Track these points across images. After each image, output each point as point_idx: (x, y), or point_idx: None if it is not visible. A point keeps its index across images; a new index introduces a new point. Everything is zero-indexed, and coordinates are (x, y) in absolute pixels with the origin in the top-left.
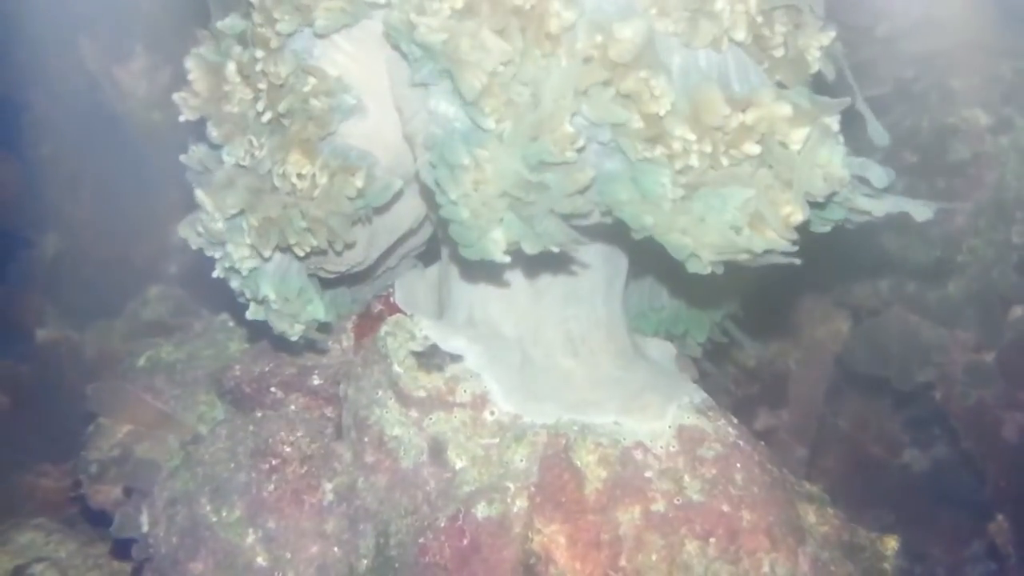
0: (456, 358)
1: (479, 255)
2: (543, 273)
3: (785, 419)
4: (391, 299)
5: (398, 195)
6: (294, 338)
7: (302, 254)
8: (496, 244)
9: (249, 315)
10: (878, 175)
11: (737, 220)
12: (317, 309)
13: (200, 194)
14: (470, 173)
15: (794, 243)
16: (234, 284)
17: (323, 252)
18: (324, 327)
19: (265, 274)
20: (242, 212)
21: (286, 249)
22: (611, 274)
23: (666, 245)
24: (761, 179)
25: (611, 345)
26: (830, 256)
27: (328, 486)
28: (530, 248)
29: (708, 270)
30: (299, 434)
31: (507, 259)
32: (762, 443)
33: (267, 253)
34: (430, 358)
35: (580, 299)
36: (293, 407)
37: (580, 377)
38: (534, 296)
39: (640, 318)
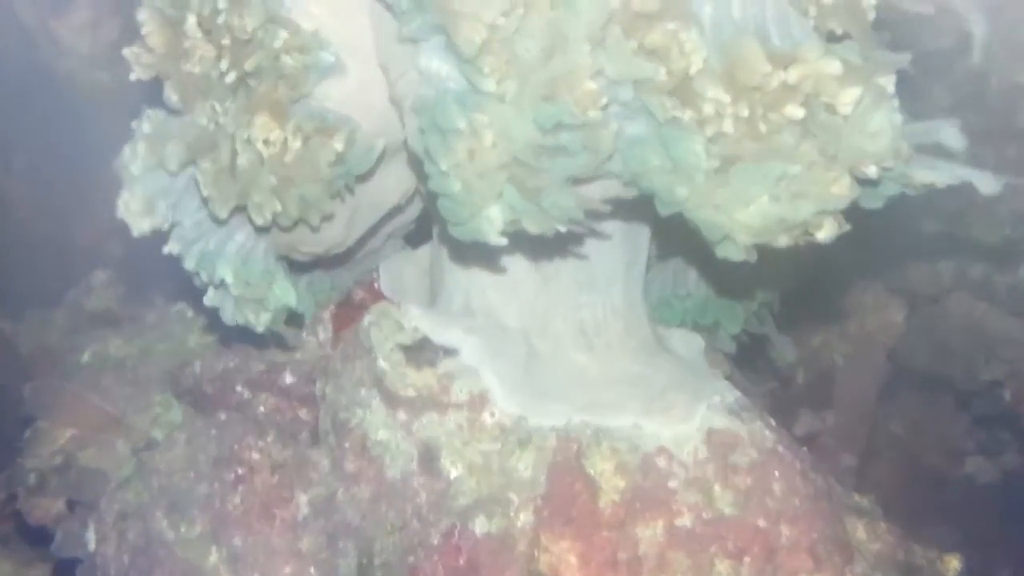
0: (450, 352)
1: (471, 235)
2: (552, 255)
3: (830, 423)
4: (375, 285)
5: (383, 163)
6: (260, 329)
7: (263, 221)
8: (491, 223)
9: (207, 301)
10: (951, 135)
11: (778, 199)
12: (287, 295)
13: (132, 148)
14: (464, 140)
15: (841, 225)
16: (188, 264)
17: (294, 228)
18: (297, 317)
19: (223, 254)
20: (192, 165)
21: (249, 222)
22: (630, 256)
23: (697, 223)
24: (805, 153)
25: (630, 337)
26: (882, 235)
27: (303, 498)
28: (535, 227)
29: (742, 256)
30: (269, 439)
31: (503, 241)
32: (804, 449)
33: (223, 213)
34: (420, 352)
35: (594, 285)
36: (262, 408)
37: (594, 373)
38: (541, 281)
39: (664, 307)
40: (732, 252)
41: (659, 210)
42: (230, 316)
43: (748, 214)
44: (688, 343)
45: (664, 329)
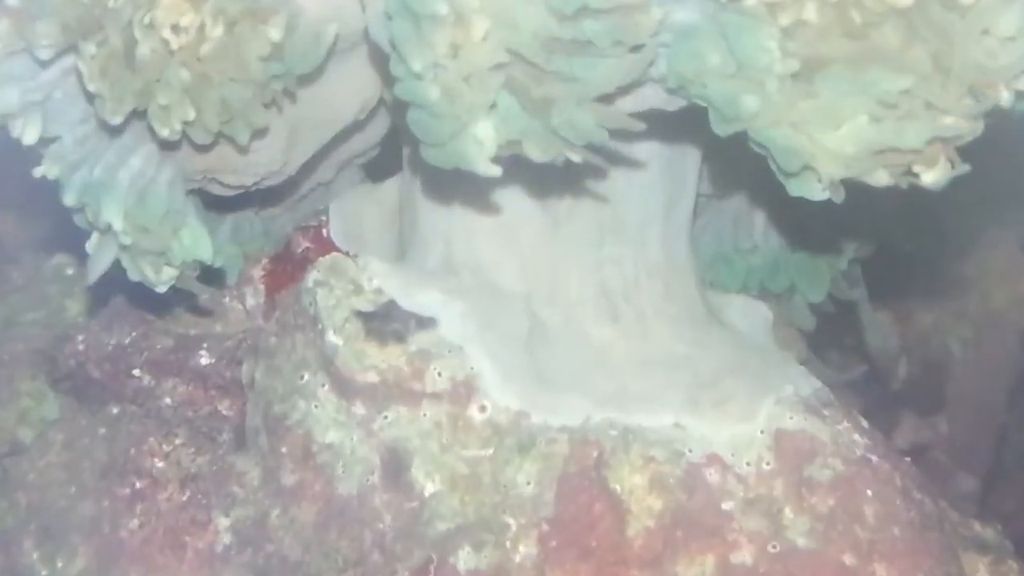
0: (426, 323)
1: (452, 161)
2: (564, 191)
3: (943, 431)
4: (323, 232)
5: (336, 61)
6: (161, 290)
7: (168, 132)
8: (480, 145)
9: (90, 250)
10: None
11: (880, 119)
12: (198, 244)
13: None
14: (446, 29)
15: (956, 164)
16: (68, 198)
17: (213, 146)
18: (216, 275)
19: (113, 185)
20: (72, 52)
21: (151, 136)
22: (672, 193)
23: (768, 147)
24: (915, 61)
25: (671, 304)
26: (1014, 176)
27: (224, 522)
28: (540, 152)
29: (827, 194)
30: (178, 442)
31: (495, 171)
32: (907, 461)
33: (117, 118)
34: (385, 322)
35: (622, 232)
36: (168, 400)
37: (621, 354)
38: (550, 226)
39: (719, 264)
40: (813, 189)
41: (715, 129)
42: (128, 272)
43: (838, 138)
44: (751, 315)
45: (719, 295)
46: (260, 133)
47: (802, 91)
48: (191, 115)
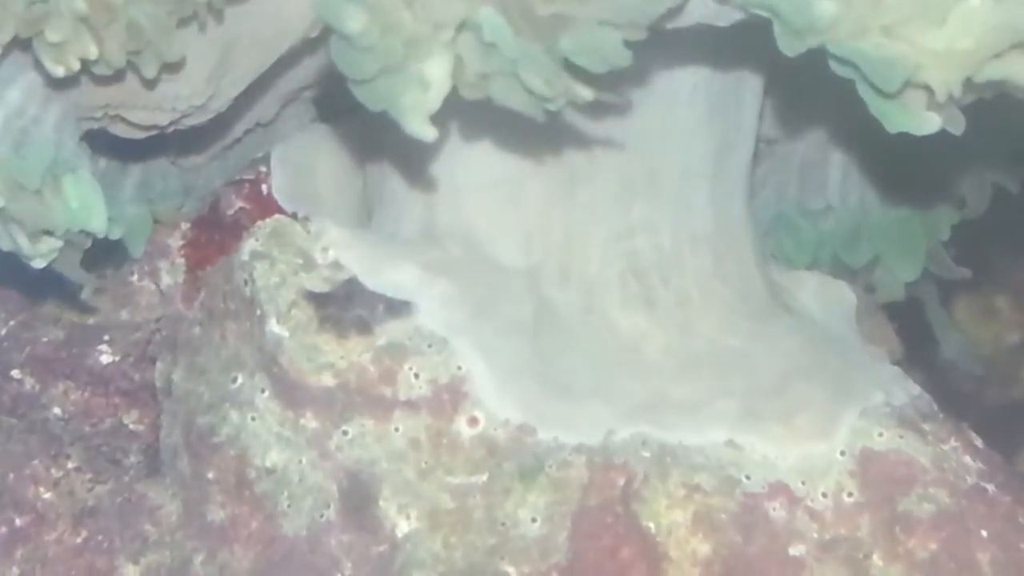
0: (399, 308)
1: (380, 103)
2: (582, 138)
3: None
4: (262, 187)
5: None
6: (38, 265)
7: (64, 71)
8: (421, 90)
9: None
10: None
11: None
12: (89, 210)
13: None
14: None
15: None
16: None
17: (118, 79)
18: (117, 246)
19: None
20: None
21: (33, 66)
22: (725, 139)
23: (858, 62)
24: None
25: (723, 285)
26: None
27: (130, 572)
28: (522, 100)
29: (938, 123)
30: (71, 465)
31: (431, 134)
32: None
33: None
34: (345, 307)
35: (659, 191)
36: (58, 410)
37: (657, 350)
38: (563, 183)
39: (782, 231)
40: (923, 118)
41: (782, 47)
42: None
43: (947, 34)
44: (827, 298)
45: (785, 272)
46: (173, 66)
47: None
48: (92, 52)
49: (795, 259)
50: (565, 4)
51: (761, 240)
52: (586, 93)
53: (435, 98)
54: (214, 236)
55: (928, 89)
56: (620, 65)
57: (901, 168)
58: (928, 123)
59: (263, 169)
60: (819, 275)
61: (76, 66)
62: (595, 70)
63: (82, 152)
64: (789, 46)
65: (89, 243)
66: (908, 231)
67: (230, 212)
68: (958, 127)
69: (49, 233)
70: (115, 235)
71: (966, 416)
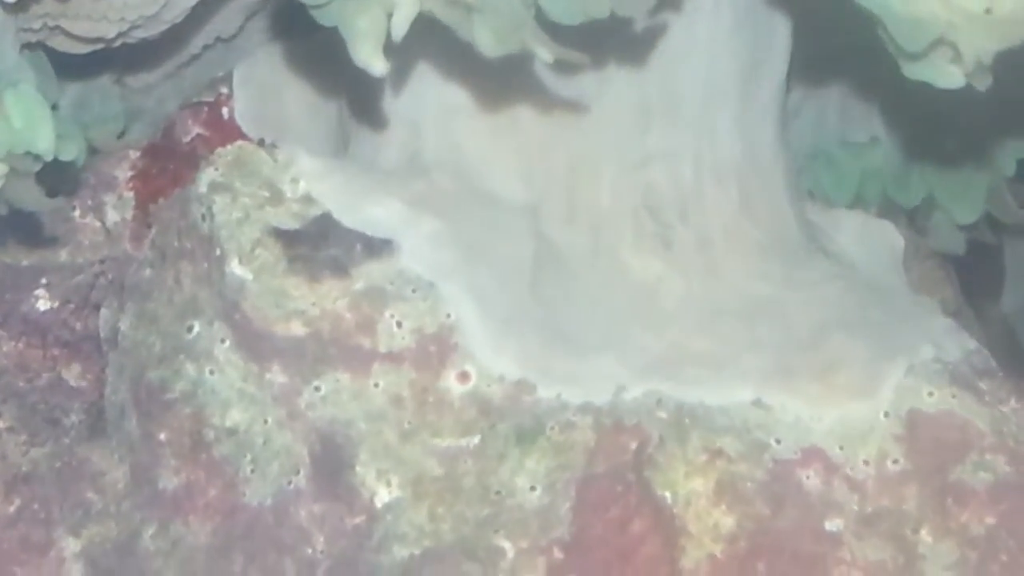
0: (379, 247)
1: (332, 18)
2: (590, 54)
3: None
4: (223, 111)
5: None
6: None
7: None
8: (384, 9)
9: None
10: None
11: None
12: (35, 127)
13: None
14: None
15: None
16: None
17: None
18: (57, 172)
19: None
20: None
21: None
22: (754, 56)
23: (881, 14)
24: None
25: (752, 224)
26: None
27: (71, 545)
28: (497, 41)
29: (962, 80)
30: (2, 426)
31: (381, 68)
32: None
33: None
34: (317, 246)
35: (678, 115)
36: None
37: (675, 296)
38: (568, 105)
39: (821, 165)
40: (947, 74)
41: None
42: None
43: None
44: (871, 241)
45: (824, 212)
46: None
47: None
48: None
49: (835, 197)
50: None
51: (796, 174)
52: (544, 54)
53: (400, 21)
54: (167, 166)
55: (956, 50)
56: (598, 16)
57: (957, 95)
58: (951, 79)
59: (224, 90)
60: (861, 215)
61: None
62: (569, 22)
63: (24, 64)
64: None
65: (38, 167)
66: (964, 169)
67: (186, 139)
68: (984, 83)
69: None
70: (67, 156)
71: None
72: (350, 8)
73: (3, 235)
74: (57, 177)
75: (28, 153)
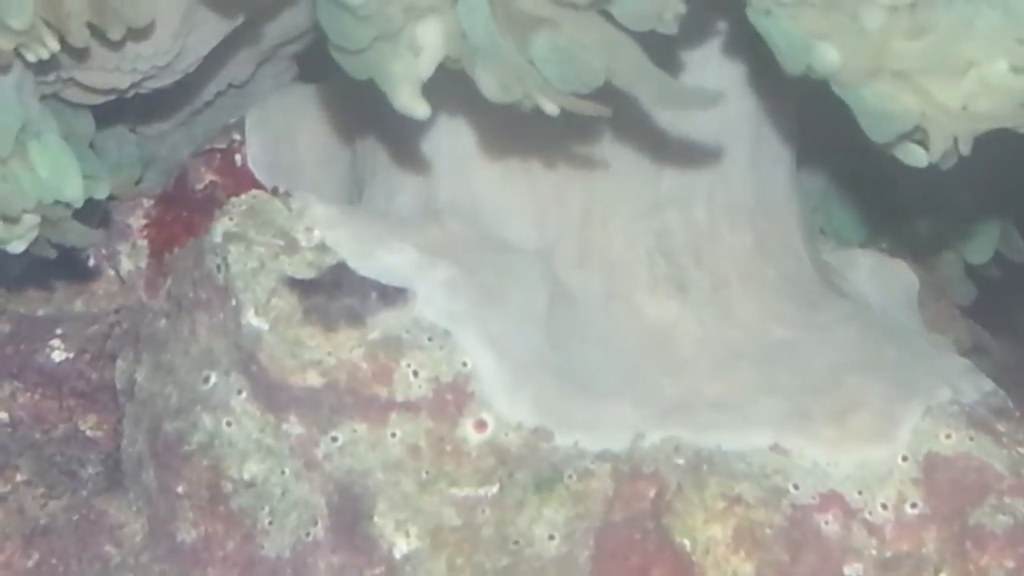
0: (394, 296)
1: (367, 73)
2: (603, 99)
3: None
4: (236, 157)
5: None
6: (19, 249)
7: (32, 56)
8: (410, 59)
9: None
10: None
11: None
12: (62, 175)
13: None
14: None
15: None
16: None
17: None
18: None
19: None
20: None
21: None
22: (764, 99)
23: (853, 105)
24: None
25: (766, 266)
26: None
27: None
28: (501, 89)
29: (922, 160)
30: (19, 478)
31: (422, 111)
32: None
33: None
34: (333, 295)
35: (690, 155)
36: (4, 414)
37: (691, 341)
38: (581, 150)
39: (833, 204)
40: (911, 156)
41: (785, 68)
42: None
43: (965, 91)
44: (886, 280)
45: (837, 251)
46: (141, 31)
47: (903, 26)
48: (53, 46)
49: (849, 235)
50: (551, 6)
51: (809, 214)
52: (547, 106)
53: (427, 64)
54: (181, 214)
55: (927, 137)
56: (592, 86)
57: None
58: (916, 159)
59: (236, 137)
60: (875, 254)
61: (45, 53)
62: (565, 87)
63: (49, 114)
64: (789, 69)
65: (69, 214)
66: (977, 209)
67: (199, 186)
68: (948, 164)
69: (23, 209)
70: (100, 194)
71: None
72: (383, 56)
73: (20, 284)
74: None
75: (58, 202)
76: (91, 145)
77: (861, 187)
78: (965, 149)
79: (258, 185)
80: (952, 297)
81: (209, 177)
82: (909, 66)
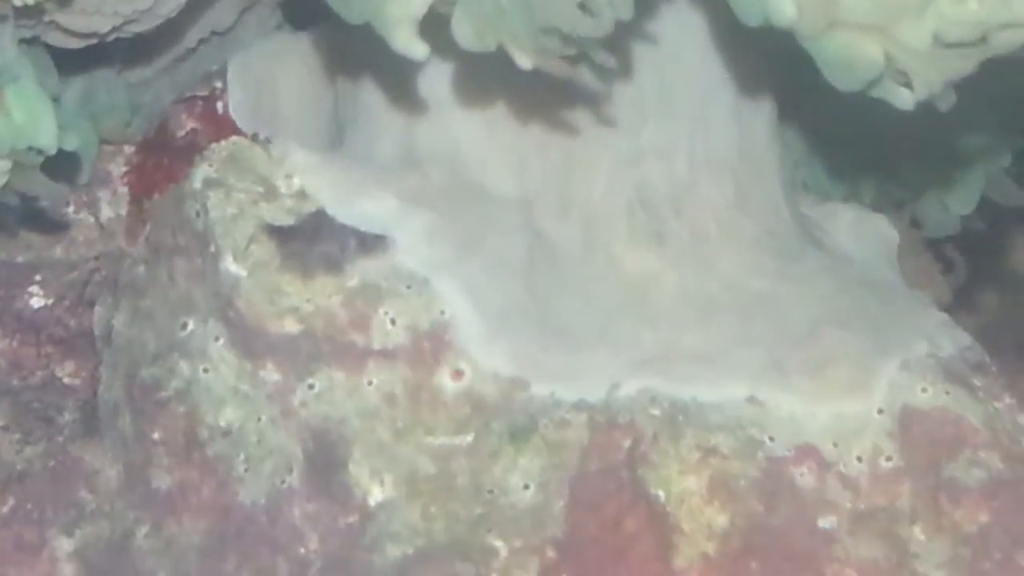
0: (373, 243)
1: (362, 14)
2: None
3: None
4: (217, 105)
5: None
6: None
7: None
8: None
9: None
10: None
11: None
12: (37, 121)
13: None
14: None
15: None
16: None
17: None
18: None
19: None
20: None
21: None
22: (746, 52)
23: (817, 57)
24: None
25: (746, 219)
26: None
27: (64, 545)
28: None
29: (909, 101)
30: None
31: (420, 51)
32: None
33: None
34: (311, 242)
35: (673, 110)
36: None
37: (670, 292)
38: (564, 100)
39: (816, 159)
40: (898, 98)
41: (744, 22)
42: None
43: (929, 28)
44: (866, 235)
45: (818, 205)
46: None
47: None
48: None
49: (831, 190)
50: None
51: (791, 167)
52: (521, 60)
53: (419, 4)
54: (162, 161)
55: (908, 79)
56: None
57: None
58: (903, 101)
59: (218, 84)
60: (856, 208)
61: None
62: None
63: (24, 59)
64: (748, 21)
65: (40, 161)
66: (962, 158)
67: (180, 133)
68: (947, 104)
69: None
70: (70, 145)
71: None
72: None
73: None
74: (65, 169)
75: (31, 148)
76: (80, 93)
77: (843, 142)
78: (946, 93)
79: (239, 132)
80: (931, 232)
81: (191, 124)
82: (864, 16)
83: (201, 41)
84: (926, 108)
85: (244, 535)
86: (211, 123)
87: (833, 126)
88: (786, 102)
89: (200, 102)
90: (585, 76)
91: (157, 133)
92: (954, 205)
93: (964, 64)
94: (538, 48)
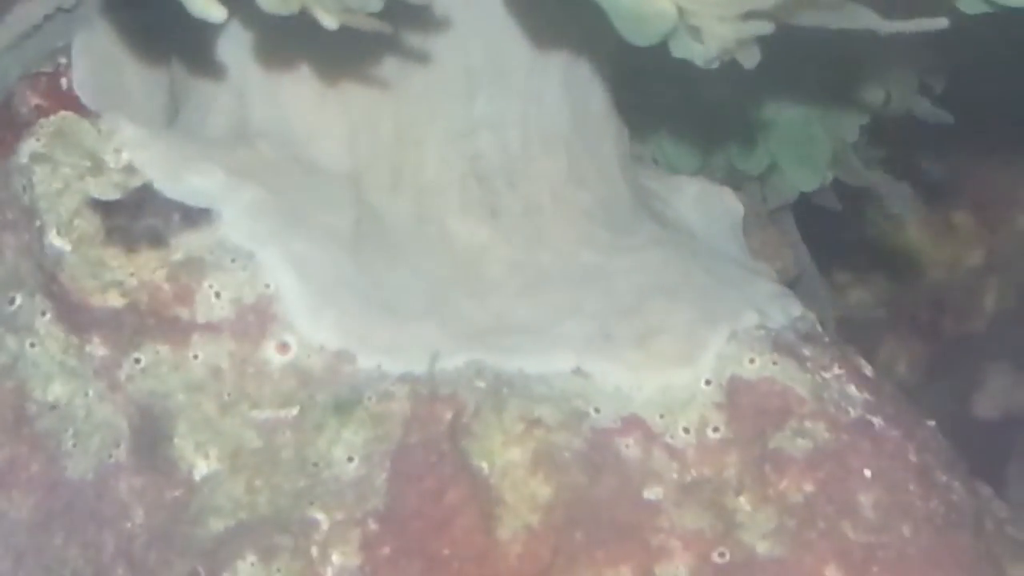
0: (198, 216)
1: None
2: (414, 18)
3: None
4: (62, 81)
5: None
6: None
7: None
8: None
9: None
10: None
11: None
12: None
13: None
14: None
15: None
16: None
17: None
18: None
19: None
20: None
21: None
22: (580, 24)
23: (609, 11)
24: None
25: (581, 191)
26: None
27: None
28: None
29: (703, 59)
30: None
31: (217, 14)
32: (929, 427)
33: None
34: (135, 216)
35: (506, 80)
36: None
37: (501, 265)
38: (393, 71)
39: (668, 135)
40: (694, 54)
41: None
42: None
43: None
44: (709, 208)
45: (663, 178)
46: None
47: None
48: None
49: (680, 164)
50: None
51: (626, 138)
52: (326, 20)
53: None
54: (4, 137)
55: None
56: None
57: (803, 60)
58: (699, 57)
59: (63, 60)
60: (701, 181)
61: None
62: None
63: None
64: None
65: None
66: (809, 132)
67: (24, 110)
68: (751, 62)
69: None
70: None
71: (918, 350)
72: None
73: None
74: None
75: None
76: None
77: (690, 116)
78: (748, 51)
79: (83, 109)
80: (776, 204)
81: (35, 101)
82: None
83: (47, 17)
84: (784, 74)
85: (72, 510)
86: (56, 99)
87: (679, 98)
88: (632, 75)
89: (44, 78)
90: (403, 34)
91: (1, 110)
92: (801, 183)
93: (759, 23)
94: (342, 6)
